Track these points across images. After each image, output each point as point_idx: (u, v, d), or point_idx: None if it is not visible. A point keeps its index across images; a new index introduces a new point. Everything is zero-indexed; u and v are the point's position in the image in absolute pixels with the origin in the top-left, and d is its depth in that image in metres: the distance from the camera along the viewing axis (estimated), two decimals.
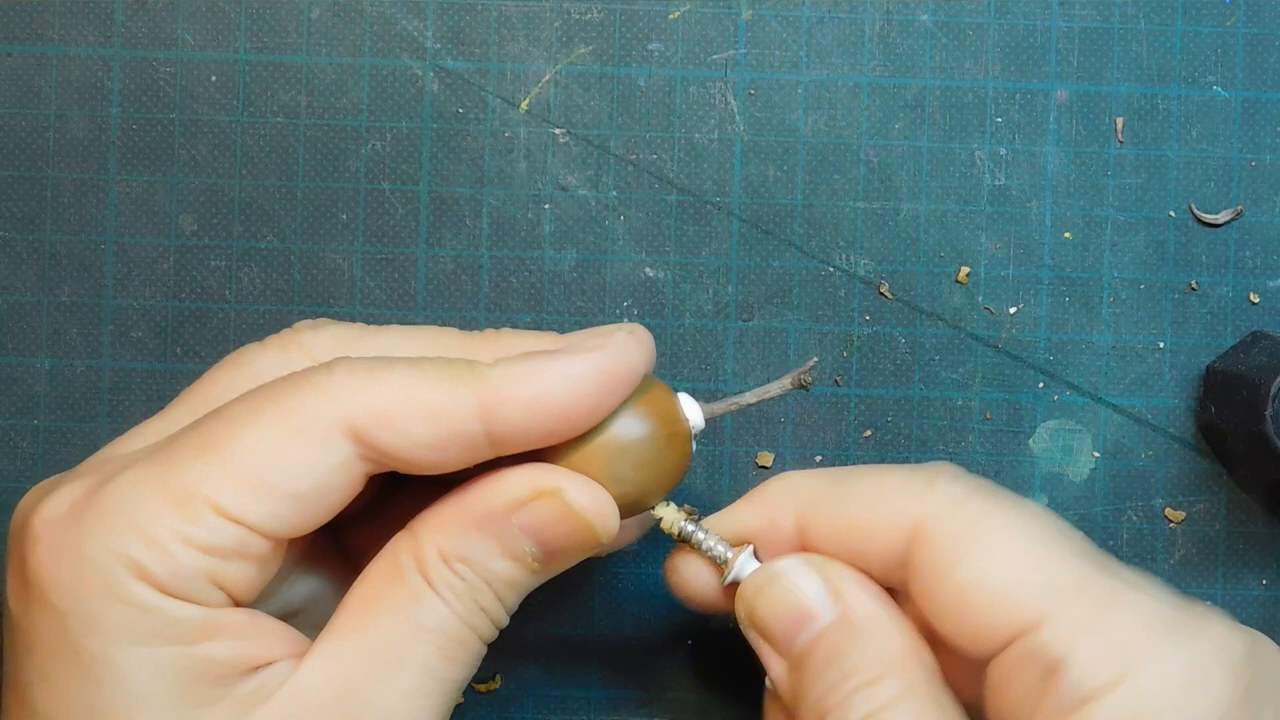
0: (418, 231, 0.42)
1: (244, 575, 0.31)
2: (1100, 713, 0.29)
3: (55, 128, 0.42)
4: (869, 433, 0.42)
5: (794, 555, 0.34)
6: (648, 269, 0.42)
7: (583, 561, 0.34)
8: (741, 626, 0.35)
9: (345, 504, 0.32)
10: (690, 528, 0.35)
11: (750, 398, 0.35)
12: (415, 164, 0.42)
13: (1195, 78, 0.42)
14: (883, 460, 0.42)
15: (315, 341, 0.35)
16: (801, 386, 0.35)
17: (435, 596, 0.32)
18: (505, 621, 0.33)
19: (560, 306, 0.42)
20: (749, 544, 0.35)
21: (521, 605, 0.38)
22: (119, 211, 0.42)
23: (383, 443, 0.31)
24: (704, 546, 0.35)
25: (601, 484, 0.33)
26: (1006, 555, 0.31)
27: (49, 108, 0.42)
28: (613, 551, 0.40)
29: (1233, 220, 0.43)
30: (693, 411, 0.34)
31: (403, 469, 0.32)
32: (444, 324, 0.41)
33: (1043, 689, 0.30)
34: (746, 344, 0.42)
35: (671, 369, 0.42)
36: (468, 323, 0.42)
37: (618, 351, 0.32)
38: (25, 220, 0.42)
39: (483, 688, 0.42)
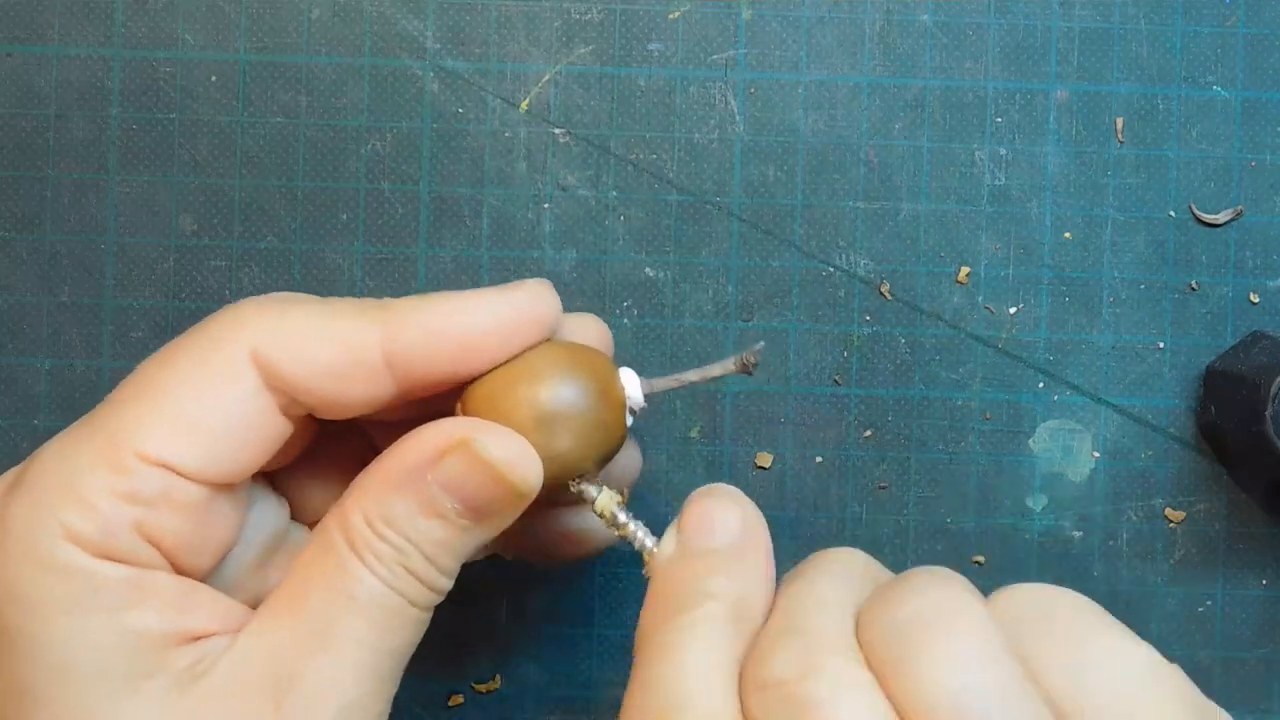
0: (418, 231, 0.42)
1: (174, 526, 0.30)
2: None
3: (55, 128, 0.42)
4: (869, 433, 0.42)
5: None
6: (648, 269, 0.42)
7: (583, 561, 0.33)
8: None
9: (271, 448, 0.32)
10: (621, 516, 0.33)
11: (693, 375, 0.35)
12: (415, 164, 0.42)
13: (1195, 78, 0.42)
14: (881, 460, 0.42)
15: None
16: (745, 369, 0.34)
17: (361, 565, 0.31)
18: (444, 585, 0.32)
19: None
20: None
21: (522, 605, 0.38)
22: (119, 211, 0.42)
23: (284, 368, 0.31)
24: (630, 535, 0.33)
25: (525, 435, 0.32)
26: None
27: (49, 108, 0.42)
28: (597, 555, 0.39)
29: (1233, 220, 0.43)
30: (632, 385, 0.34)
31: (311, 404, 0.32)
32: None
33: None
34: (746, 344, 0.42)
35: (672, 369, 0.42)
36: None
37: (521, 290, 0.33)
38: (25, 220, 0.42)
39: (483, 688, 0.42)
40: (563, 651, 0.42)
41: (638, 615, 0.43)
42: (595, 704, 0.42)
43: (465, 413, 0.33)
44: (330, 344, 0.31)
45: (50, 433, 0.42)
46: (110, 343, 0.42)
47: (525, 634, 0.42)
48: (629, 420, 0.34)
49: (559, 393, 0.32)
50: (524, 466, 0.32)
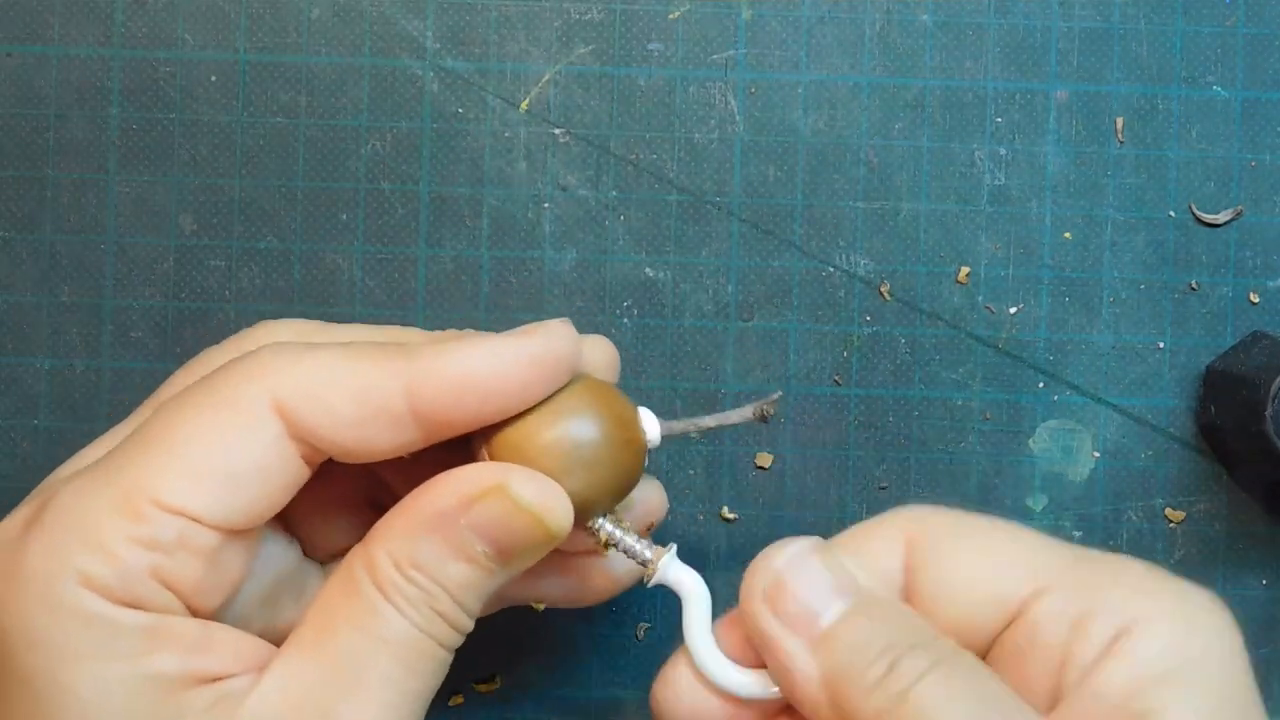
0: (418, 231, 0.42)
1: (191, 571, 0.30)
2: (1147, 637, 0.28)
3: (55, 128, 0.42)
4: (869, 433, 0.42)
5: (800, 540, 0.32)
6: (648, 269, 0.42)
7: (610, 598, 0.33)
8: (753, 613, 0.32)
9: (289, 494, 0.32)
10: (617, 532, 0.34)
11: (710, 421, 0.35)
12: (415, 164, 0.42)
13: (1195, 78, 0.42)
14: (882, 460, 0.42)
15: (271, 337, 0.34)
16: (762, 419, 0.34)
17: (390, 607, 0.31)
18: (468, 625, 0.33)
19: (560, 306, 0.42)
20: (673, 545, 0.34)
21: (522, 605, 0.38)
22: (119, 211, 0.42)
23: (308, 419, 0.31)
24: (626, 548, 0.34)
25: (554, 478, 0.32)
26: (997, 548, 0.31)
27: (49, 108, 0.42)
28: (607, 599, 0.38)
29: (1233, 220, 0.43)
30: (650, 425, 0.34)
31: (335, 453, 0.32)
32: (444, 324, 0.41)
33: (1071, 637, 0.29)
34: (746, 344, 0.42)
35: (671, 369, 0.42)
36: (468, 323, 0.42)
37: (543, 336, 0.32)
38: (25, 220, 0.42)
39: (483, 688, 0.42)
40: (563, 651, 0.42)
41: (637, 615, 0.43)
42: (595, 704, 0.42)
43: (490, 456, 0.33)
44: (355, 398, 0.31)
45: (50, 433, 0.42)
46: (110, 343, 0.42)
47: (525, 634, 0.42)
48: (645, 460, 0.34)
49: (583, 437, 0.32)
50: (558, 510, 0.32)
